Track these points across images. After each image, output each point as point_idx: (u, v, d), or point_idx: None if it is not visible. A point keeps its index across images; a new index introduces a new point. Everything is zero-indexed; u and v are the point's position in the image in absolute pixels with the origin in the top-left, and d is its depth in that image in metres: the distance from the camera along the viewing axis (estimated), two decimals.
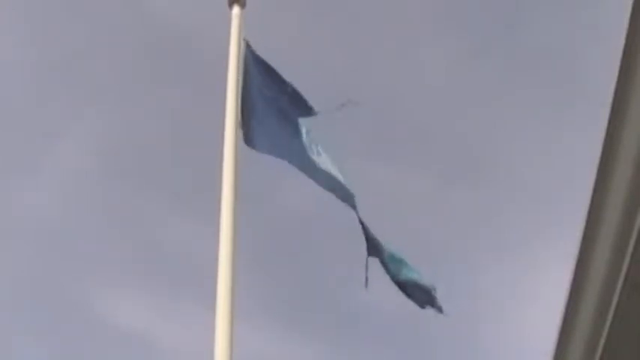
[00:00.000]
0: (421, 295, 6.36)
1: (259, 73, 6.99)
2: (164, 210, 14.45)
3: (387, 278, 6.34)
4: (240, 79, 6.78)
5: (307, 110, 6.98)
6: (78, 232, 14.37)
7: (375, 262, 6.38)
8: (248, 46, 7.06)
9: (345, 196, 6.64)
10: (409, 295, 6.35)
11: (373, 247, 6.39)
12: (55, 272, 14.45)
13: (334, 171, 6.72)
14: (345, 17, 13.66)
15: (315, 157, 6.70)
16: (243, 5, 7.22)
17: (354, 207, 6.58)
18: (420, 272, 6.37)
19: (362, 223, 6.50)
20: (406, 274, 6.36)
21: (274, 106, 6.94)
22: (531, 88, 14.21)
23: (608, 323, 3.91)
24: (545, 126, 13.91)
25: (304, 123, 6.96)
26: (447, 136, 14.38)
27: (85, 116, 14.43)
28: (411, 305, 6.36)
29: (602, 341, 3.95)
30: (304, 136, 6.82)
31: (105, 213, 14.19)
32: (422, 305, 6.35)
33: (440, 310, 6.33)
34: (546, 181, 13.36)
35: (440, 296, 6.34)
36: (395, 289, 6.35)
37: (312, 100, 7.09)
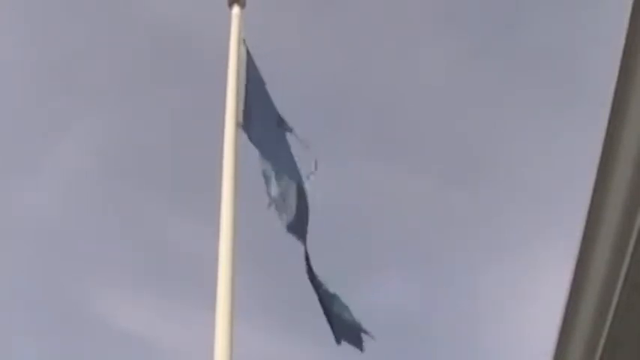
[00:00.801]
0: (346, 331, 6.32)
1: (254, 74, 7.00)
2: (164, 210, 14.46)
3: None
4: (242, 78, 6.78)
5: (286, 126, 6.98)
6: (78, 232, 14.37)
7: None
8: (245, 47, 7.06)
9: (299, 230, 6.53)
10: (334, 328, 6.32)
11: (313, 281, 6.36)
12: (55, 272, 14.45)
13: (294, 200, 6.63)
14: (344, 17, 13.68)
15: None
16: (243, 5, 7.23)
17: (303, 242, 6.48)
18: (349, 309, 6.35)
19: (307, 259, 6.39)
20: (337, 310, 6.34)
21: (267, 111, 6.93)
22: (531, 88, 14.21)
23: (608, 323, 3.91)
24: (545, 126, 13.91)
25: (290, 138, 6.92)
26: (447, 137, 14.39)
27: (85, 116, 14.45)
28: (411, 306, 6.34)
29: (602, 341, 3.95)
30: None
31: (105, 213, 14.20)
32: (339, 341, 6.31)
33: (360, 347, 6.28)
34: (546, 181, 13.36)
35: (366, 330, 6.31)
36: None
37: (310, 99, 7.09)
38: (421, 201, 13.99)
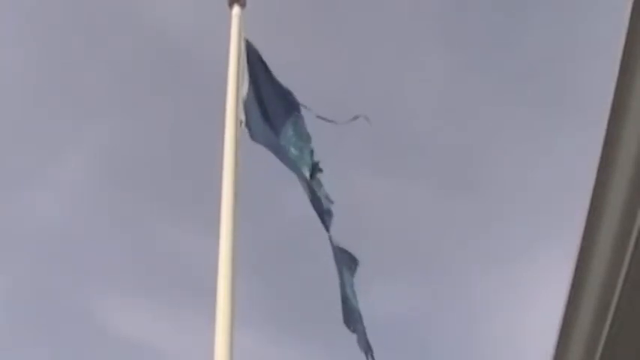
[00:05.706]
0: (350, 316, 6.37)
1: (260, 71, 7.01)
2: (165, 215, 14.47)
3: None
4: (246, 78, 6.79)
5: (296, 106, 7.02)
6: (78, 237, 14.42)
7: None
8: (249, 43, 7.06)
9: (324, 215, 6.60)
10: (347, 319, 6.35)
11: (340, 262, 6.40)
12: (57, 280, 14.50)
13: (317, 185, 6.70)
14: (345, 19, 13.68)
15: (305, 171, 6.70)
16: (243, 5, 7.22)
17: (327, 228, 6.54)
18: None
19: (332, 244, 6.47)
20: (354, 305, 6.39)
21: (274, 105, 6.96)
22: (531, 88, 14.23)
23: (608, 323, 3.91)
24: (545, 126, 13.93)
25: (297, 127, 6.97)
26: (447, 142, 14.41)
27: (86, 121, 14.47)
28: (412, 311, 6.39)
29: (602, 341, 3.95)
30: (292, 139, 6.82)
31: (106, 218, 14.23)
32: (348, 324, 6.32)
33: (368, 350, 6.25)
34: (546, 184, 13.38)
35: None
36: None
37: (310, 101, 7.11)
38: (422, 207, 14.02)
